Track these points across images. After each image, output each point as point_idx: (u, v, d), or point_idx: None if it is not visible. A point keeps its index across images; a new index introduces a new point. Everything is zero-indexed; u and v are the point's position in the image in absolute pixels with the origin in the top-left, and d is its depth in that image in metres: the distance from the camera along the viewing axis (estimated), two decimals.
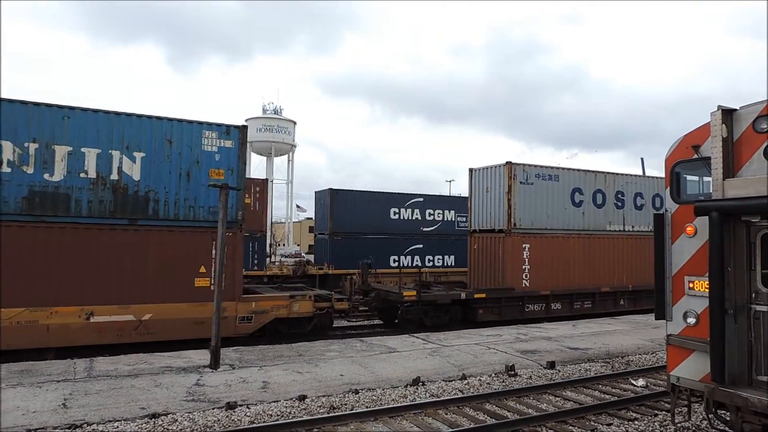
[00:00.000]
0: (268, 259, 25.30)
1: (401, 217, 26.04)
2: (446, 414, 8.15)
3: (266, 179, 25.79)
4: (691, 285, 6.37)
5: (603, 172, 19.73)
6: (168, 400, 8.29)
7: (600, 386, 9.77)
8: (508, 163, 17.69)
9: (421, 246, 26.29)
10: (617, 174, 20.08)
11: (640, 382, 10.01)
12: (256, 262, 22.41)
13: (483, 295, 17.04)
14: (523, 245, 17.59)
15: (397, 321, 16.91)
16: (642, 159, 52.62)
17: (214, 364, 10.11)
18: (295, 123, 53.82)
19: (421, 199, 26.78)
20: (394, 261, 25.27)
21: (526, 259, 17.63)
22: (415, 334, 14.27)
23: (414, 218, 26.32)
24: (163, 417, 7.59)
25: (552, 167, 18.83)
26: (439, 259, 26.74)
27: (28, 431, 6.95)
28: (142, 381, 9.19)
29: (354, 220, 24.78)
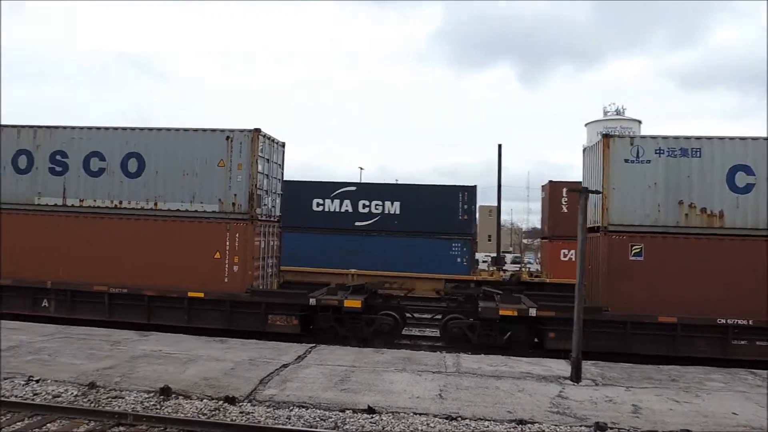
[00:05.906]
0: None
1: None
2: None
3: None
4: None
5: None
6: (533, 407, 8.19)
7: None
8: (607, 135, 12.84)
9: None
10: None
11: None
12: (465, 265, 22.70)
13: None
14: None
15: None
16: None
17: (576, 377, 9.64)
18: (639, 122, 49.54)
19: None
20: None
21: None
22: None
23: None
24: (529, 425, 7.49)
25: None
26: None
27: (414, 413, 7.78)
28: (505, 384, 9.36)
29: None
